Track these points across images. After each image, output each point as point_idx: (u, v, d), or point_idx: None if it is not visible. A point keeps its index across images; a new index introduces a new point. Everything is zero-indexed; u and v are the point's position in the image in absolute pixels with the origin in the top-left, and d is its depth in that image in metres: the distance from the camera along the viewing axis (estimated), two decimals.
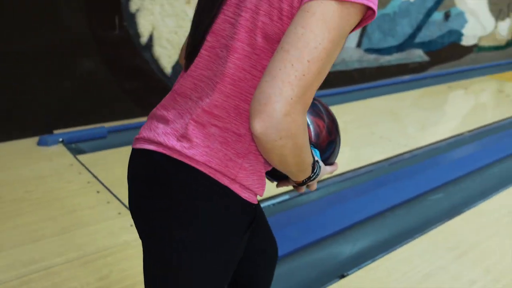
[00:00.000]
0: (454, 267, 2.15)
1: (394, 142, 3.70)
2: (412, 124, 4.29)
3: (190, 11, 3.66)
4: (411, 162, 3.40)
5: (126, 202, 2.48)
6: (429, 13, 5.72)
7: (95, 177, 2.74)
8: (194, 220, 0.87)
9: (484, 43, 6.88)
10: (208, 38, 0.90)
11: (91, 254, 2.05)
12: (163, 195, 0.89)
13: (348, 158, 3.31)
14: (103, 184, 2.66)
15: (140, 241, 2.16)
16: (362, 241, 2.35)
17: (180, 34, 3.66)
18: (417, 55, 5.84)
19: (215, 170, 0.85)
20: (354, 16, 0.77)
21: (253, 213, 0.93)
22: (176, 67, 3.73)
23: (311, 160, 0.90)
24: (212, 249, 0.89)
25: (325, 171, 1.03)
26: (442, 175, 3.14)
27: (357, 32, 5.00)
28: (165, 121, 0.93)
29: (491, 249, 2.33)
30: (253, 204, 0.91)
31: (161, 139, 0.90)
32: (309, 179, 0.95)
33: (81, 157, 2.99)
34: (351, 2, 0.74)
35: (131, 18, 3.41)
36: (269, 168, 0.96)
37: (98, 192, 2.58)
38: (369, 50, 5.22)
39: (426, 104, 4.97)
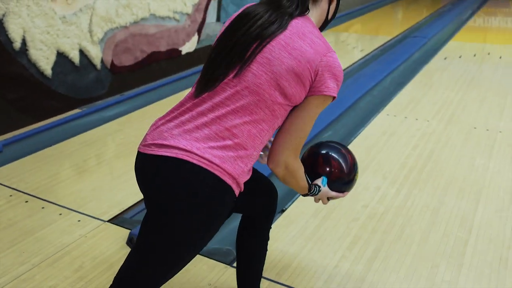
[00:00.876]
0: (362, 180, 2.67)
1: None
2: None
3: (58, 8, 3.59)
4: None
5: (62, 202, 2.53)
6: None
7: (15, 189, 2.67)
8: (206, 211, 1.20)
9: None
10: (232, 79, 1.21)
11: (53, 254, 2.10)
12: (184, 195, 1.17)
13: None
14: (28, 194, 2.62)
15: (98, 231, 2.26)
16: None
17: (52, 33, 3.58)
18: None
19: (225, 171, 1.18)
20: (329, 100, 1.25)
21: (235, 201, 1.27)
22: (56, 68, 3.65)
23: (305, 184, 1.39)
24: (213, 229, 1.25)
25: (328, 194, 1.48)
26: (324, 117, 3.68)
27: (215, 7, 5.32)
28: (182, 130, 1.21)
29: (382, 161, 2.92)
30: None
31: (185, 144, 1.18)
32: (307, 195, 1.45)
33: None
34: (332, 96, 1.23)
35: None
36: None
37: (26, 202, 2.55)
38: None
39: None
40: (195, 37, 5.13)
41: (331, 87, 1.22)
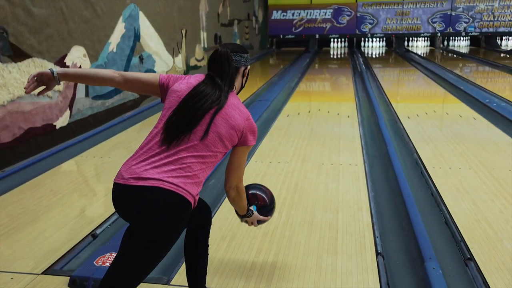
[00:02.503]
0: None
1: None
2: None
3: None
4: None
5: None
6: (129, 59, 6.87)
7: None
8: (177, 225, 1.76)
9: None
10: (190, 136, 1.80)
11: None
12: (159, 210, 1.71)
13: None
14: None
15: (35, 283, 2.52)
16: None
17: None
18: (130, 94, 6.92)
19: (188, 192, 1.76)
20: (250, 148, 1.94)
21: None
22: None
23: (245, 206, 2.12)
24: (180, 231, 1.80)
25: (257, 217, 2.24)
26: None
27: (81, 84, 5.67)
28: (154, 167, 1.76)
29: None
30: None
31: (158, 176, 1.74)
32: (245, 215, 2.18)
33: None
34: (252, 146, 1.92)
35: None
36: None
37: None
38: (96, 97, 5.98)
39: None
40: (67, 112, 5.40)
41: (250, 140, 1.91)
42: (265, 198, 2.32)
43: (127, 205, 1.76)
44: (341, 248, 2.81)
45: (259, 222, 2.28)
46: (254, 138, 1.92)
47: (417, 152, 4.70)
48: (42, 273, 2.59)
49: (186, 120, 1.81)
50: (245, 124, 1.88)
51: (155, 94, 2.03)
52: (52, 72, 1.97)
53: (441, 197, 3.55)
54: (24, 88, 1.97)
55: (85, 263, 2.60)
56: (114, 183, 1.80)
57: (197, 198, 1.82)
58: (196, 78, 1.94)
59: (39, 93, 2.05)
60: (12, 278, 2.54)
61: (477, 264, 2.61)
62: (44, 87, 2.00)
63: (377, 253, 2.74)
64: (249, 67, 2.04)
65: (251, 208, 2.21)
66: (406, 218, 3.14)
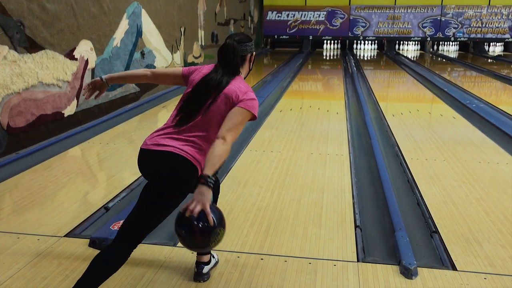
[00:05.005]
0: (246, 190, 3.73)
1: None
2: None
3: None
4: None
5: (14, 230, 3.04)
6: (131, 54, 7.24)
7: None
8: (185, 183, 2.15)
9: None
10: (198, 116, 2.19)
11: (33, 259, 2.66)
12: (173, 172, 2.11)
13: None
14: None
15: (60, 242, 2.91)
16: None
17: None
18: (132, 87, 7.29)
19: (196, 159, 2.16)
20: (249, 115, 2.18)
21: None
22: None
23: (216, 166, 2.00)
24: (187, 191, 2.20)
25: (209, 196, 1.96)
26: None
27: (89, 75, 6.06)
28: (170, 137, 2.18)
29: (256, 178, 4.03)
30: None
31: (172, 144, 2.15)
32: (211, 177, 1.96)
33: None
34: (250, 111, 2.17)
35: None
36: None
37: None
38: None
39: (151, 124, 6.47)
40: (75, 102, 5.77)
41: (247, 106, 2.18)
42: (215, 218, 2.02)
43: (148, 164, 2.16)
44: (325, 221, 3.23)
45: (201, 215, 1.94)
46: (252, 106, 2.15)
47: (398, 146, 5.13)
48: (64, 236, 2.98)
49: (195, 106, 2.22)
50: (243, 96, 2.17)
51: (180, 84, 2.44)
52: (101, 78, 2.49)
53: (415, 183, 3.98)
54: (83, 95, 2.40)
55: (102, 228, 3.00)
56: (140, 149, 2.20)
57: (202, 163, 2.18)
58: (208, 68, 2.34)
59: (96, 97, 2.55)
60: (38, 239, 2.93)
61: (440, 236, 3.03)
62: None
63: (356, 226, 3.15)
64: (254, 53, 2.42)
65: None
66: (383, 199, 3.56)
